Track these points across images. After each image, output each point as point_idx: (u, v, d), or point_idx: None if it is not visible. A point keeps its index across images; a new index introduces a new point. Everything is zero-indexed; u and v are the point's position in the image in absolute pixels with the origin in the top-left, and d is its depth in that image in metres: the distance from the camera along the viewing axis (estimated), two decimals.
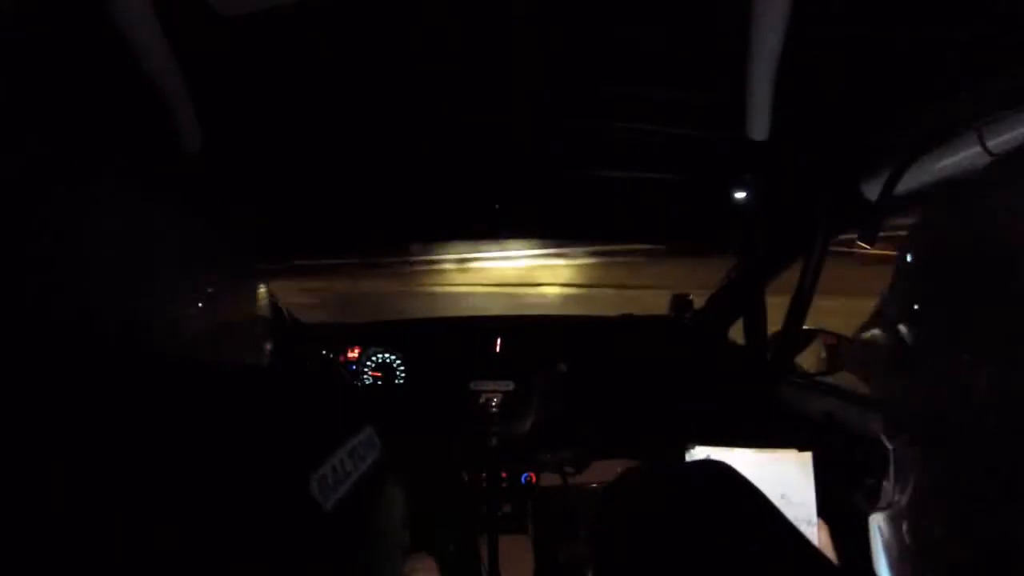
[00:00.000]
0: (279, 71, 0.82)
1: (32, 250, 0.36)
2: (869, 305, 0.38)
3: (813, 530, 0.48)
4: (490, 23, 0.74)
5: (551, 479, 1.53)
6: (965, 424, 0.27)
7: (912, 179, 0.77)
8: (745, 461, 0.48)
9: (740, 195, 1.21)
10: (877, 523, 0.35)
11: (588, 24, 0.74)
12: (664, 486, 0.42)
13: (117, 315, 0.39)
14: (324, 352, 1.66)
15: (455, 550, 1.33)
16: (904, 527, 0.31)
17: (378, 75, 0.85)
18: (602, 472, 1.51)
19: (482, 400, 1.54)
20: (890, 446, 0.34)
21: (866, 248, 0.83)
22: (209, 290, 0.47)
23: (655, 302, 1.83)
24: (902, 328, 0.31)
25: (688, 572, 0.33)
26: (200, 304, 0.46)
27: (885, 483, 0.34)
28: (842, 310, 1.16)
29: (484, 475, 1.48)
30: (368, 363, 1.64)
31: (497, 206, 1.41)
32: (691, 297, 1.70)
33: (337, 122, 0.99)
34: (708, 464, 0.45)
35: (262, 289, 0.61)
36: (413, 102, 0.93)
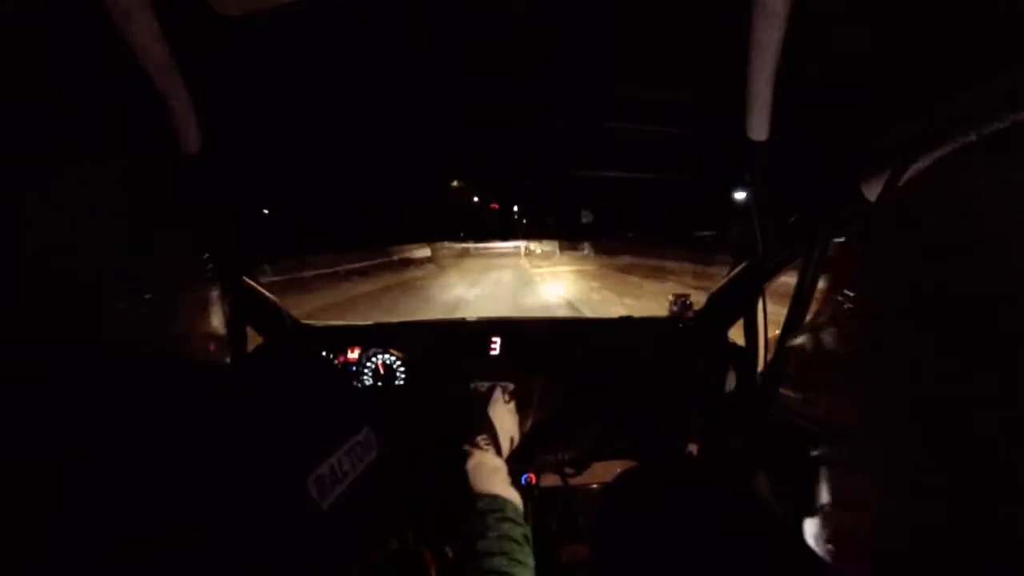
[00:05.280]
0: (278, 71, 0.82)
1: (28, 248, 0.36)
2: None
3: None
4: (490, 23, 0.75)
5: (551, 479, 1.53)
6: (883, 429, 0.27)
7: None
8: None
9: (740, 195, 1.21)
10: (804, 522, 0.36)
11: (588, 24, 0.74)
12: (663, 486, 0.42)
13: (96, 311, 0.38)
14: (324, 353, 1.66)
15: (455, 550, 1.32)
16: (829, 526, 0.32)
17: (378, 75, 0.85)
18: (602, 472, 1.50)
19: None
20: (816, 451, 0.34)
21: None
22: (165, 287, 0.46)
23: (655, 303, 1.83)
24: (826, 335, 0.31)
25: (686, 571, 0.33)
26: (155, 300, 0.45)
27: (817, 486, 0.34)
28: None
29: None
30: (368, 364, 1.64)
31: (496, 206, 1.41)
32: (691, 297, 1.70)
33: (337, 122, 0.99)
34: (706, 465, 0.45)
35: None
36: (412, 102, 0.93)
